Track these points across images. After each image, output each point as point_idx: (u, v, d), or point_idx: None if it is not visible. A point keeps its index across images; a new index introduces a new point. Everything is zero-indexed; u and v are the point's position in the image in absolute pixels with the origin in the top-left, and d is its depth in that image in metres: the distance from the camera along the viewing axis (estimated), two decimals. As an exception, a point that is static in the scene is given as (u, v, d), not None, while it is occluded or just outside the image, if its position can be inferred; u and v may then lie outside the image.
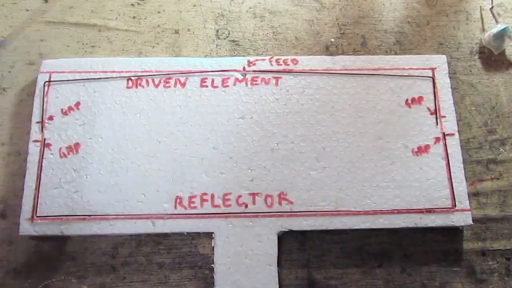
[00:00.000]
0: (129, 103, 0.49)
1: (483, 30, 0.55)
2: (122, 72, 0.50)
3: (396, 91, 0.50)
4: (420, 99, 0.49)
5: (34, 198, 0.45)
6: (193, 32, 0.53)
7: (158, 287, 0.45)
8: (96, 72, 0.50)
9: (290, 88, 0.50)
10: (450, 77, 0.51)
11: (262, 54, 0.52)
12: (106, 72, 0.50)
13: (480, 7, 0.56)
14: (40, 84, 0.49)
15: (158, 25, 0.53)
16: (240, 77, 0.50)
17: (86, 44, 0.52)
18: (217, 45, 0.53)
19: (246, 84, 0.50)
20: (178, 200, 0.46)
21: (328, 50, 0.53)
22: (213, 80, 0.50)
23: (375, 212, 0.46)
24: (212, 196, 0.46)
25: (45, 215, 0.45)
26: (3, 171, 0.48)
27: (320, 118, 0.49)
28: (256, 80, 0.50)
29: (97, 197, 0.46)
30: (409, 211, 0.46)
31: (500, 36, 0.52)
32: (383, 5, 0.56)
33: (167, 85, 0.49)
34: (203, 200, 0.46)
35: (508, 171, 0.49)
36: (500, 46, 0.53)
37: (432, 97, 0.50)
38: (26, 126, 0.48)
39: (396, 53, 0.53)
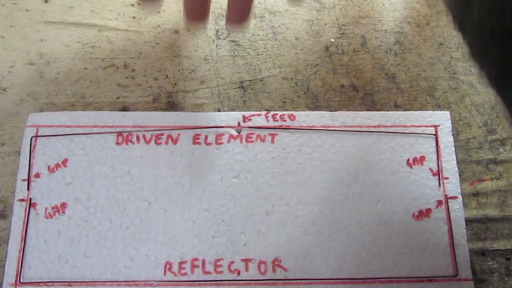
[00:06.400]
0: (119, 160, 0.47)
1: None
2: (112, 127, 0.48)
3: (397, 150, 0.48)
4: (422, 159, 0.47)
5: (18, 262, 0.43)
6: (193, 32, 0.52)
7: None
8: (85, 126, 0.48)
9: (287, 146, 0.48)
10: (450, 77, 0.50)
11: (262, 54, 0.51)
12: (96, 126, 0.48)
13: None
14: (26, 139, 0.47)
15: (158, 25, 0.52)
16: (234, 133, 0.48)
17: (86, 44, 0.51)
18: (217, 45, 0.52)
19: (241, 141, 0.48)
20: (167, 265, 0.44)
21: (328, 50, 0.52)
22: (206, 137, 0.48)
23: (373, 281, 0.44)
24: (203, 262, 0.44)
25: (29, 281, 0.43)
26: (3, 171, 0.47)
27: (317, 178, 0.47)
28: (251, 137, 0.48)
29: (83, 262, 0.44)
30: (409, 280, 0.44)
31: None
32: (383, 5, 0.55)
33: (158, 141, 0.47)
34: (193, 266, 0.44)
35: (508, 171, 0.48)
36: None
37: (434, 156, 0.48)
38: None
39: (396, 53, 0.52)
